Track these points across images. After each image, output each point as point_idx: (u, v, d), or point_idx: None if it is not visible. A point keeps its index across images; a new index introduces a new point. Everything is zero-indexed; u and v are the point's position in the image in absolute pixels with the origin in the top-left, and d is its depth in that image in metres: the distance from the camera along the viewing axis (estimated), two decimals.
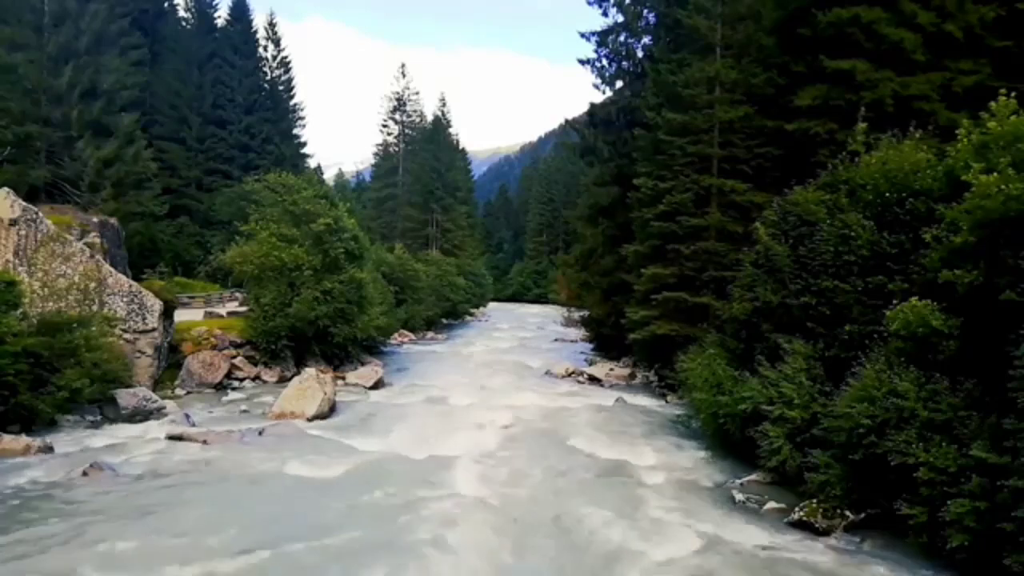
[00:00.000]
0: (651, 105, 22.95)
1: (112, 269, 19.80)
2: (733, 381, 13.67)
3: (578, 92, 41.98)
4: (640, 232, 23.04)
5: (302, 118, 53.49)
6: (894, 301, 10.53)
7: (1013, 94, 10.22)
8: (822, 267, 12.53)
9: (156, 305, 19.69)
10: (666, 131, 21.38)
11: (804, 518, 10.24)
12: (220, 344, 22.68)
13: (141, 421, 16.13)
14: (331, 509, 10.64)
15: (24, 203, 18.53)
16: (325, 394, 17.88)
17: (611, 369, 26.62)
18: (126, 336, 19.01)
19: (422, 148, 66.19)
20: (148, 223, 34.03)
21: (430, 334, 44.34)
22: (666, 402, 20.83)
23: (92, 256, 19.26)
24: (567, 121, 38.15)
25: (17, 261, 17.84)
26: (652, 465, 13.78)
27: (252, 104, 47.24)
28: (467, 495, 11.54)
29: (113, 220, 24.93)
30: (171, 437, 14.61)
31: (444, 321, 52.11)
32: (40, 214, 18.72)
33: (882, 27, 16.98)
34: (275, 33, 51.05)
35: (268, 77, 50.38)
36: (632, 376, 25.78)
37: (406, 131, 68.03)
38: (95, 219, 23.52)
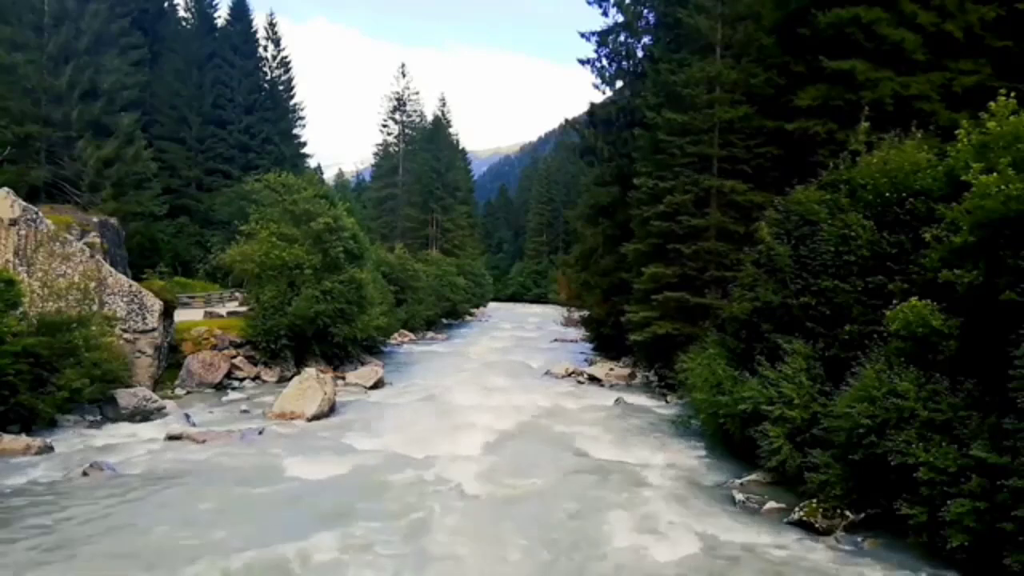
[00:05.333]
0: (651, 105, 22.93)
1: (112, 269, 19.82)
2: (733, 381, 13.66)
3: (578, 92, 42.07)
4: (640, 230, 23.03)
5: (302, 118, 53.48)
6: (894, 301, 10.53)
7: (1013, 94, 10.23)
8: (822, 267, 12.53)
9: (156, 305, 19.69)
10: (666, 131, 21.37)
11: (804, 518, 10.24)
12: (220, 344, 22.70)
13: (141, 421, 16.14)
14: (331, 508, 10.64)
15: (24, 203, 18.55)
16: (325, 394, 17.89)
17: (611, 369, 26.59)
18: (126, 336, 19.02)
19: (422, 148, 66.19)
20: (148, 223, 34.01)
21: (430, 334, 44.37)
22: (666, 402, 20.82)
23: (92, 256, 19.26)
24: (567, 121, 38.16)
25: (17, 261, 17.85)
26: (652, 465, 13.78)
27: (252, 104, 47.19)
28: (467, 494, 11.56)
29: (113, 220, 24.95)
30: (171, 437, 14.62)
31: (444, 321, 52.14)
32: (40, 214, 18.73)
33: (882, 27, 16.98)
34: (275, 33, 51.01)
35: (268, 77, 50.31)
36: (632, 376, 25.76)
37: (406, 131, 67.98)
38: (95, 219, 23.54)
